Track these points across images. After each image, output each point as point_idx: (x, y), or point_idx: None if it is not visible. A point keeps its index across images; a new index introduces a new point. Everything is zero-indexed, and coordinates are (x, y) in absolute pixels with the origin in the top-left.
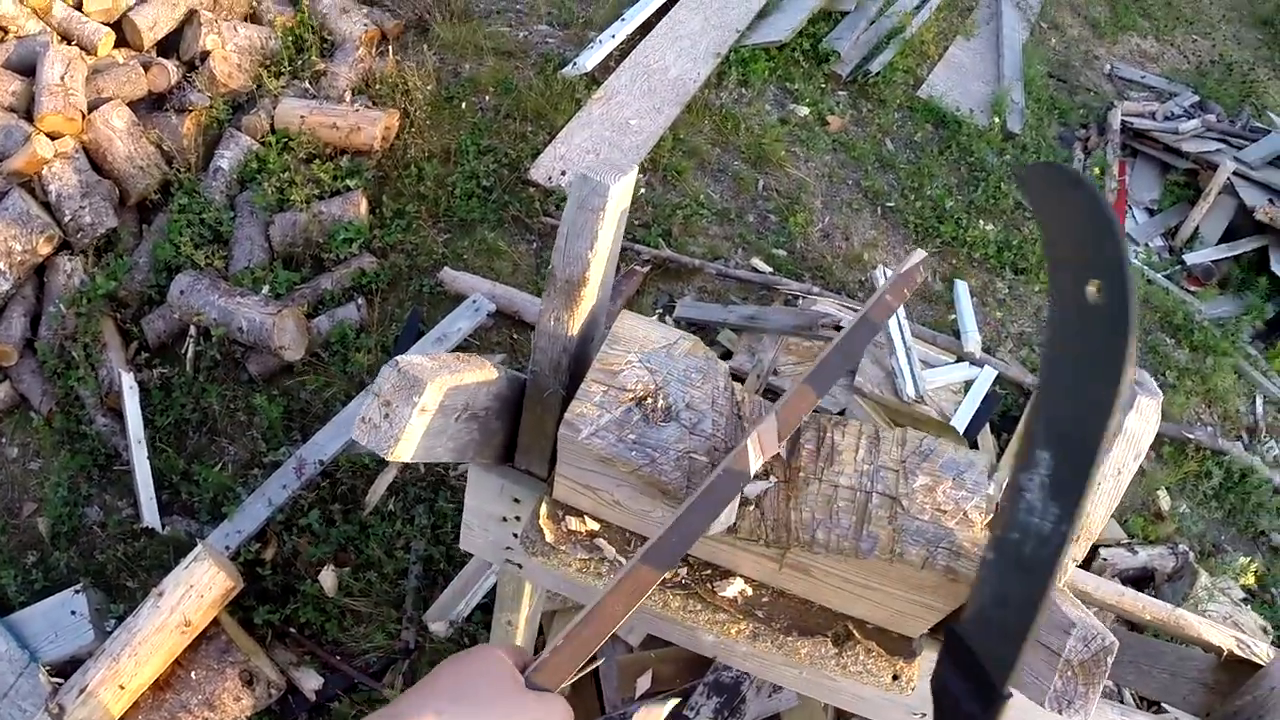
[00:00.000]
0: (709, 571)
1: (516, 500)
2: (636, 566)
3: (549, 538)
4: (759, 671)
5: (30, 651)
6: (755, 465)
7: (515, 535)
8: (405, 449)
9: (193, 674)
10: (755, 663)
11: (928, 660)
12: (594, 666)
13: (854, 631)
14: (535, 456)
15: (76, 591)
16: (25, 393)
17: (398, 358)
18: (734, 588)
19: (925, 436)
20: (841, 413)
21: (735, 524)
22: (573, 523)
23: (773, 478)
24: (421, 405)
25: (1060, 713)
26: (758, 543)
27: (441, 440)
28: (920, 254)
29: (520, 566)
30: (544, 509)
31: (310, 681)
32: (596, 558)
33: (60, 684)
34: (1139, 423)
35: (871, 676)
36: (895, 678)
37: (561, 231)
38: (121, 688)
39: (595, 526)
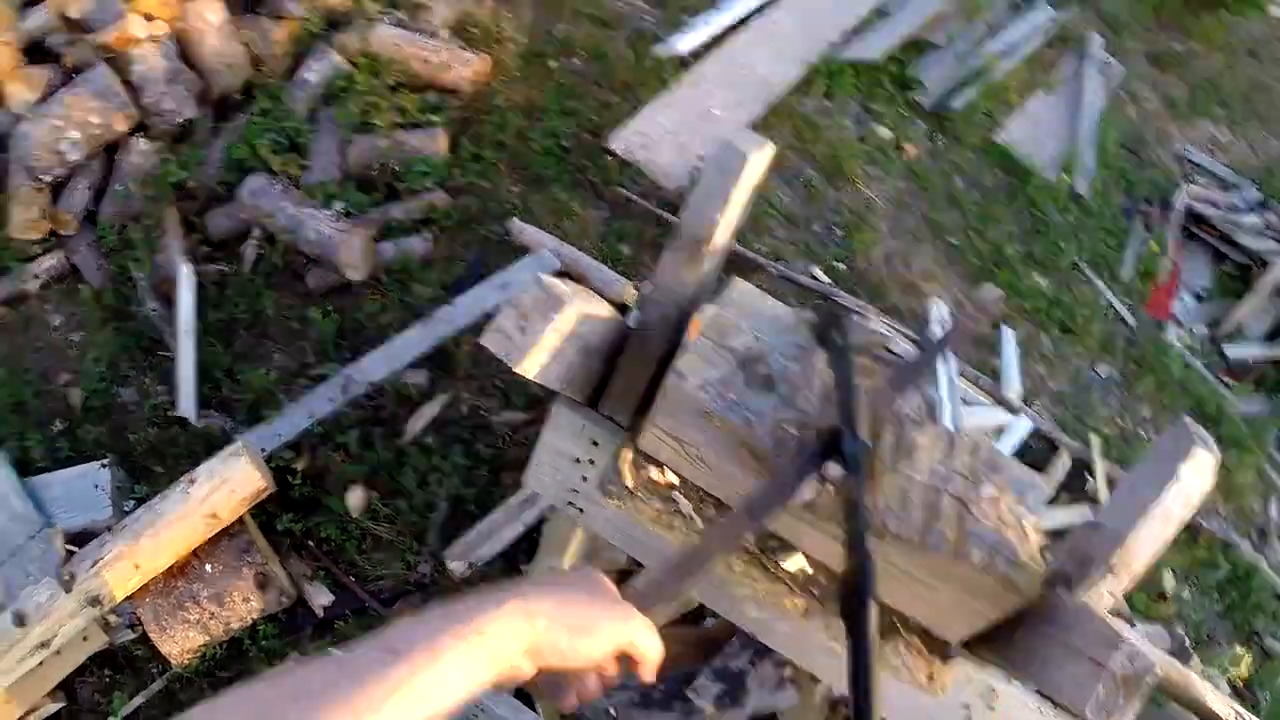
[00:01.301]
0: (775, 543)
1: (595, 443)
2: (734, 514)
3: (629, 481)
4: (795, 654)
5: (46, 516)
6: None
7: (584, 479)
8: (533, 363)
9: (209, 567)
10: (794, 644)
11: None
12: (685, 597)
13: (899, 626)
14: (623, 405)
15: (103, 466)
16: (79, 264)
17: (540, 275)
18: (796, 563)
19: (996, 450)
20: None
21: (813, 500)
22: (654, 472)
23: None
24: (556, 325)
25: None
26: (831, 522)
27: (557, 363)
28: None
29: (581, 511)
30: (627, 454)
31: (321, 597)
32: (670, 510)
33: (74, 552)
34: (1192, 475)
35: (908, 672)
36: (930, 678)
37: (696, 190)
38: (136, 567)
39: (675, 480)
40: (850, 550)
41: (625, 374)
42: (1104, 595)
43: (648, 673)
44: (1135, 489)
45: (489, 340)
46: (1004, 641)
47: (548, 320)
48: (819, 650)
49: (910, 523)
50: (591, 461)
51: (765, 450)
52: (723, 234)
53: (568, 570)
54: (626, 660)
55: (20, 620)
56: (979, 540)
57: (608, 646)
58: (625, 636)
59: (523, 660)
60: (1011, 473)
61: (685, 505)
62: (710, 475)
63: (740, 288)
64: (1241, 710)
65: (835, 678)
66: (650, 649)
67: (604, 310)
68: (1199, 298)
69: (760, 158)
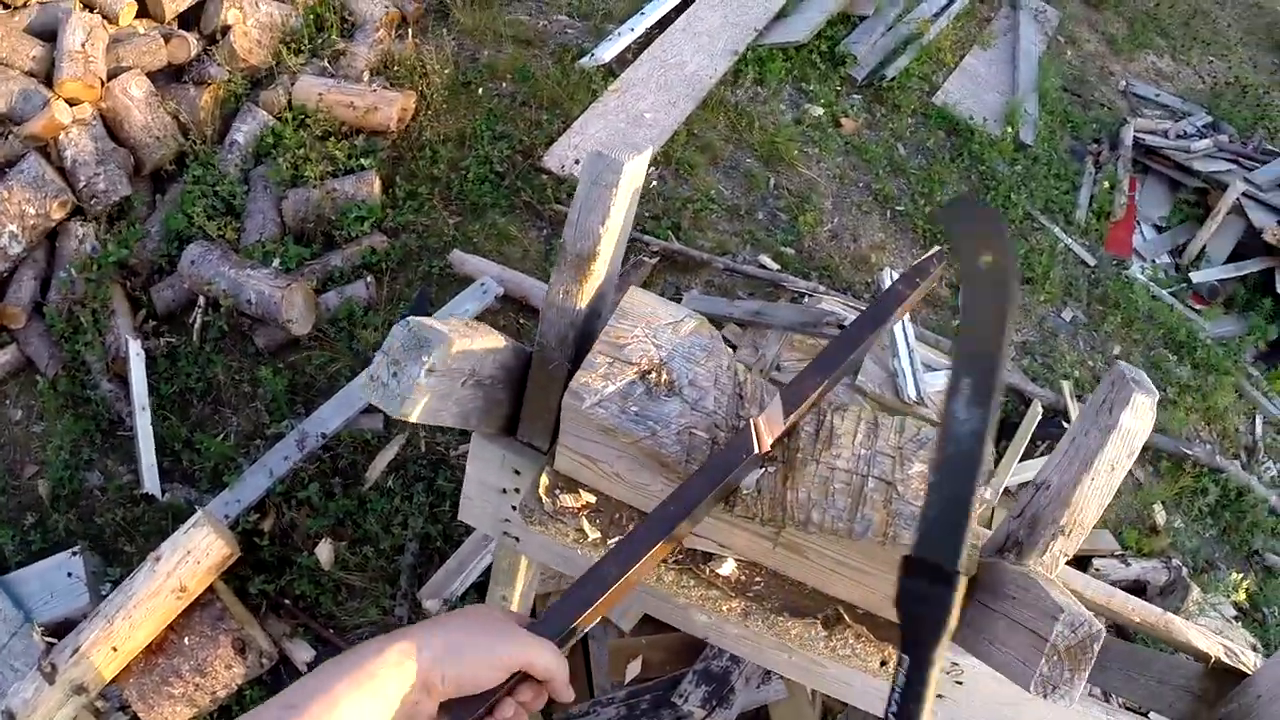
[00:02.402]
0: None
1: (517, 472)
2: (634, 533)
3: (547, 507)
4: (749, 654)
5: (25, 611)
6: (762, 444)
7: (514, 507)
8: (411, 408)
9: (186, 639)
10: (746, 644)
11: None
12: (590, 626)
13: (844, 615)
14: (538, 429)
15: (74, 554)
16: (32, 356)
17: (409, 317)
18: (727, 567)
19: (924, 425)
20: None
21: (732, 502)
22: (567, 497)
23: (769, 465)
24: (429, 365)
25: (1045, 697)
26: (753, 520)
27: (446, 404)
28: (936, 250)
29: (517, 540)
30: (544, 479)
31: (302, 653)
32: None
33: (54, 643)
34: (1133, 419)
35: (859, 660)
36: (883, 664)
37: (574, 206)
38: (115, 650)
39: (592, 500)
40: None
41: (532, 399)
42: (1058, 557)
43: (559, 691)
44: (1077, 442)
45: (365, 392)
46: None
47: (419, 363)
48: (770, 648)
49: (835, 511)
50: (518, 490)
51: (673, 457)
52: (609, 247)
53: (468, 607)
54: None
55: (10, 718)
56: (909, 520)
57: (496, 667)
58: (516, 658)
59: (420, 695)
60: None
61: (593, 534)
62: (628, 489)
63: (635, 296)
64: (1230, 642)
65: (791, 672)
66: (546, 667)
67: (491, 341)
68: (1159, 228)
69: (636, 165)
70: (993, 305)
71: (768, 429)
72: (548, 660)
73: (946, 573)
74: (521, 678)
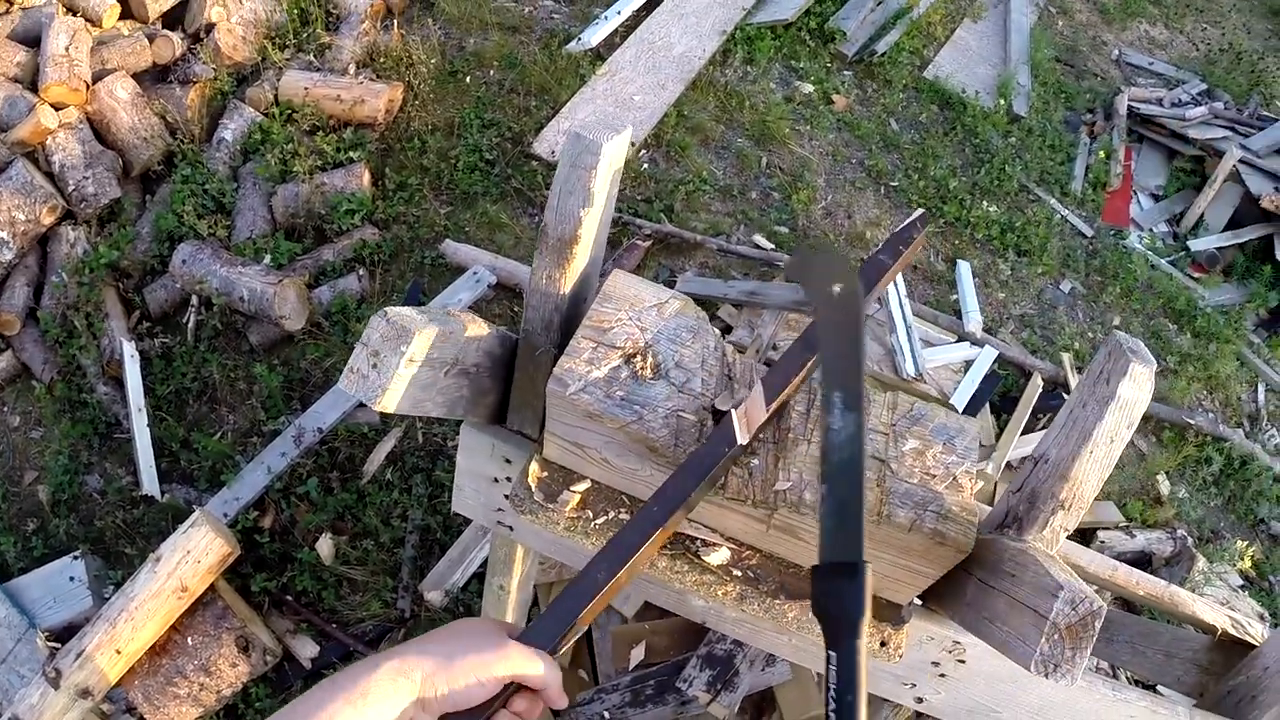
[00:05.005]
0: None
1: (508, 461)
2: (621, 533)
3: (536, 495)
4: (749, 638)
5: (29, 617)
6: (742, 438)
7: (506, 496)
8: (392, 399)
9: (189, 640)
10: (745, 628)
11: (916, 629)
12: (581, 631)
13: None
14: (527, 416)
15: (75, 558)
16: (27, 361)
17: (387, 308)
18: (719, 556)
19: (916, 401)
20: None
21: (724, 483)
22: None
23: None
24: (409, 356)
25: (1047, 676)
26: (745, 503)
27: (430, 394)
28: (919, 212)
29: (511, 529)
30: (534, 467)
31: (306, 649)
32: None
33: (58, 648)
34: (1132, 389)
35: None
36: (883, 644)
37: (554, 189)
38: (118, 652)
39: (582, 486)
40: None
41: (519, 386)
42: (1058, 531)
43: (553, 700)
44: (1074, 414)
45: (346, 384)
46: (956, 598)
47: (398, 354)
48: (769, 631)
49: None
50: (509, 479)
51: (661, 441)
52: (590, 230)
53: (458, 621)
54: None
55: None
56: (903, 499)
57: (487, 680)
58: (506, 669)
59: (416, 711)
60: (936, 421)
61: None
62: (616, 474)
63: (618, 279)
64: (1237, 615)
65: (791, 655)
66: (537, 678)
67: (474, 329)
68: (1155, 197)
69: (615, 146)
70: (847, 324)
71: (749, 418)
72: (540, 671)
73: (853, 565)
74: (516, 688)
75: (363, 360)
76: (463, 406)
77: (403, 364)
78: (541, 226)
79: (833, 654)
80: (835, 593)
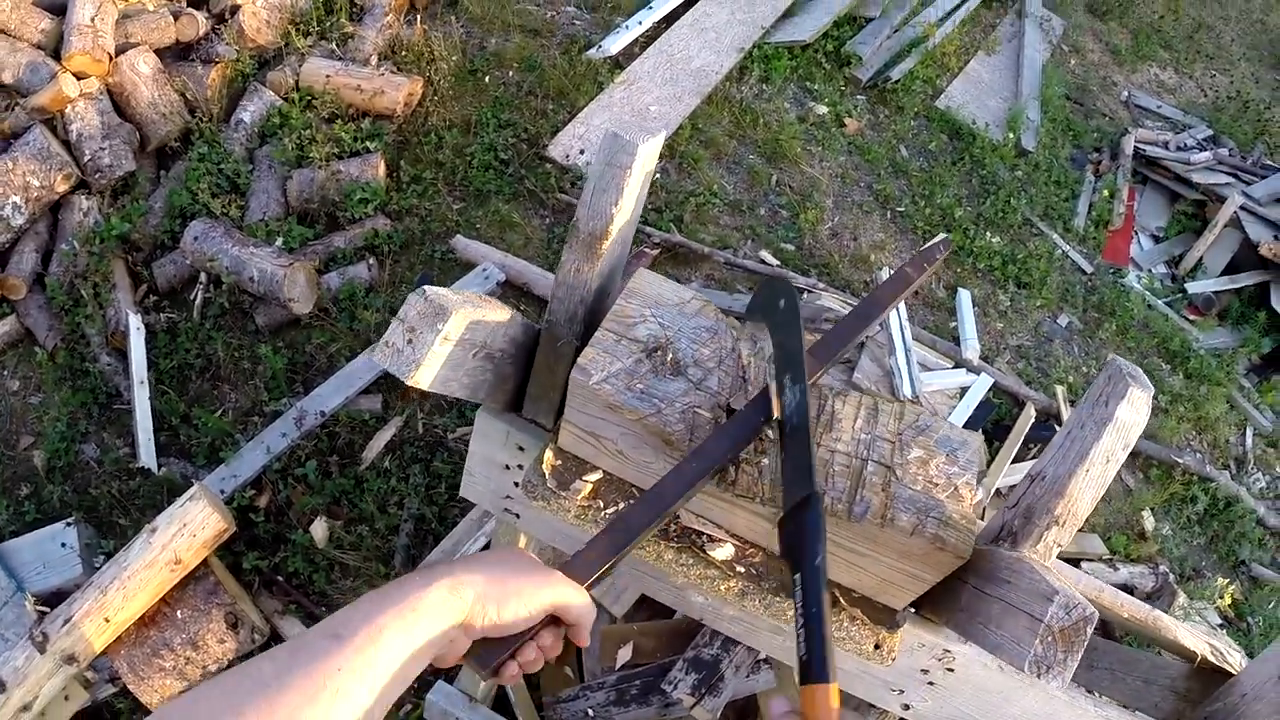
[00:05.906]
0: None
1: (520, 449)
2: (662, 483)
3: (550, 483)
4: (744, 636)
5: (17, 581)
6: (776, 411)
7: (516, 484)
8: (425, 375)
9: (179, 613)
10: (741, 626)
11: (908, 635)
12: (616, 564)
13: (840, 598)
14: (543, 406)
15: (68, 525)
16: (31, 327)
17: (425, 286)
18: (723, 552)
19: (923, 412)
20: None
21: (734, 479)
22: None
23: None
24: (444, 334)
25: (1039, 677)
26: (754, 500)
27: (458, 374)
28: (943, 236)
29: (518, 517)
30: (548, 455)
31: (294, 630)
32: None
33: (46, 613)
34: (1129, 412)
35: (854, 644)
36: (877, 646)
37: (588, 186)
38: (107, 620)
39: (597, 476)
40: (791, 485)
41: (539, 375)
42: (1051, 546)
43: (581, 635)
44: (1073, 434)
45: (380, 356)
46: (950, 604)
47: (435, 331)
48: (766, 630)
49: (834, 493)
50: (520, 466)
51: (677, 435)
52: (620, 227)
53: (502, 548)
54: (561, 631)
55: (0, 687)
56: (907, 504)
57: (534, 609)
58: (551, 599)
59: (458, 634)
60: (940, 433)
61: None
62: (630, 466)
63: (644, 277)
64: (1216, 643)
65: (784, 655)
66: (579, 609)
67: (503, 315)
68: (1156, 238)
69: (650, 148)
70: (790, 324)
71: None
72: (578, 602)
73: (809, 497)
74: (546, 622)
75: (399, 335)
76: (485, 390)
77: (438, 341)
78: (572, 223)
79: (798, 577)
80: (798, 527)
